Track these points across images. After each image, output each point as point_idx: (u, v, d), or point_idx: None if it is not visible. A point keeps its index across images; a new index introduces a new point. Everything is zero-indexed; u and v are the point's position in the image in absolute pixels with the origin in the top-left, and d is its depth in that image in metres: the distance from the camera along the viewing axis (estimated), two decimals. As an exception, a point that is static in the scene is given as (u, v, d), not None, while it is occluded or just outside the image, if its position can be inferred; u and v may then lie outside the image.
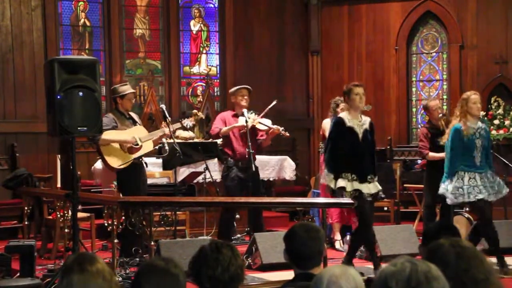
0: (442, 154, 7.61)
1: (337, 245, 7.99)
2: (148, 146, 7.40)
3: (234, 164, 7.99)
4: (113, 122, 7.30)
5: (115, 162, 7.22)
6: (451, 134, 6.99)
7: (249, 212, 8.27)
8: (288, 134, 8.10)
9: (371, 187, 6.62)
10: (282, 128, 8.01)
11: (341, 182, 6.51)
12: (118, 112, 7.43)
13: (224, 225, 8.03)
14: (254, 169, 7.71)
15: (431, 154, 7.94)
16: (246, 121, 7.83)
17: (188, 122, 7.85)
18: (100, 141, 7.12)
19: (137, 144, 7.30)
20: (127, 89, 7.48)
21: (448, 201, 7.03)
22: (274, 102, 8.22)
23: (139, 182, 7.25)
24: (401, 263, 2.02)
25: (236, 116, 8.12)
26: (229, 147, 8.07)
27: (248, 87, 8.23)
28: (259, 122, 8.06)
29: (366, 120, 6.78)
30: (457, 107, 7.15)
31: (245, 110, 7.96)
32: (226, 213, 8.00)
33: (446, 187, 6.96)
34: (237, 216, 8.32)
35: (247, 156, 7.77)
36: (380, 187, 6.71)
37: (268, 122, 8.13)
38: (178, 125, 7.77)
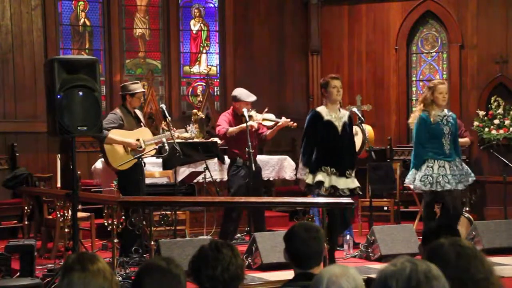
0: None
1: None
2: (150, 148, 7.42)
3: (243, 163, 7.95)
4: (119, 120, 7.32)
5: (116, 162, 7.24)
6: (416, 124, 6.92)
7: (249, 212, 8.26)
8: (295, 124, 8.08)
9: (348, 182, 6.59)
10: (289, 119, 8.03)
11: (319, 176, 6.49)
12: (125, 109, 7.44)
13: (228, 225, 7.99)
14: (254, 168, 7.71)
15: None
16: (246, 122, 7.79)
17: (193, 129, 7.95)
18: (106, 139, 7.15)
19: (141, 147, 7.32)
20: (137, 87, 7.50)
21: (413, 187, 6.96)
22: (266, 110, 8.19)
23: (139, 181, 7.26)
24: (401, 263, 2.02)
25: (237, 115, 8.08)
26: (237, 147, 8.01)
27: (255, 99, 8.18)
28: (264, 119, 8.07)
29: (345, 113, 6.76)
30: (422, 94, 7.10)
31: (244, 110, 7.93)
32: (232, 212, 7.95)
33: (413, 176, 6.90)
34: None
35: (246, 156, 7.76)
36: (358, 184, 6.68)
37: (272, 116, 8.15)
38: (183, 131, 7.86)
